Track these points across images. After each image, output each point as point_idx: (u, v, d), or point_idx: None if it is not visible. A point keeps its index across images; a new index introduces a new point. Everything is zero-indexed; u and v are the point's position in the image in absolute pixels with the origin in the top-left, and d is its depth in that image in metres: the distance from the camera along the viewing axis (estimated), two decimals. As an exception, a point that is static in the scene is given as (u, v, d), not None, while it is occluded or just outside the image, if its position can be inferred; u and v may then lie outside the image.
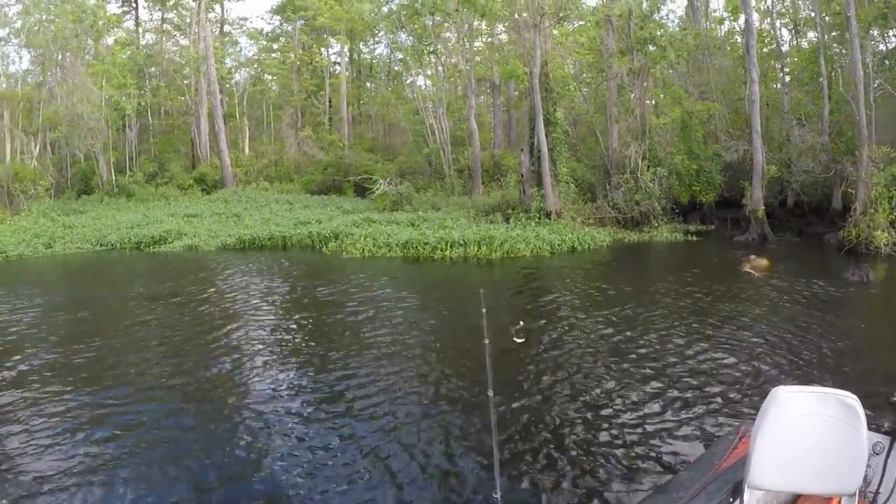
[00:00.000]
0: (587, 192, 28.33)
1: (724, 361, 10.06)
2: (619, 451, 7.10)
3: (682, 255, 22.59)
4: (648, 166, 26.67)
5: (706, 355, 10.41)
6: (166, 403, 9.24)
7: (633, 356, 10.45)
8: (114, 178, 46.94)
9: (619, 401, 8.56)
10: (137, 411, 8.95)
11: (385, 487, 6.50)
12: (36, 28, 47.11)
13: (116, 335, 13.77)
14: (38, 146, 45.36)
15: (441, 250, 22.75)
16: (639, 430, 7.58)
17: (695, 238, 25.53)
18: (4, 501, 6.66)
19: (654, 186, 26.21)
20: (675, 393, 8.71)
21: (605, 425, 7.83)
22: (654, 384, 9.10)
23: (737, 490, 3.28)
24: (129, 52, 55.51)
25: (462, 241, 22.95)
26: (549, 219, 25.57)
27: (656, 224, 26.24)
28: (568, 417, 8.13)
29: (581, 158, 32.34)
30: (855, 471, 3.08)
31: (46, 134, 46.57)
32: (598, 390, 8.98)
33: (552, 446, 7.25)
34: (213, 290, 18.45)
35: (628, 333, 11.90)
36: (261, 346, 12.20)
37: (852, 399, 3.06)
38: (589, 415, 8.22)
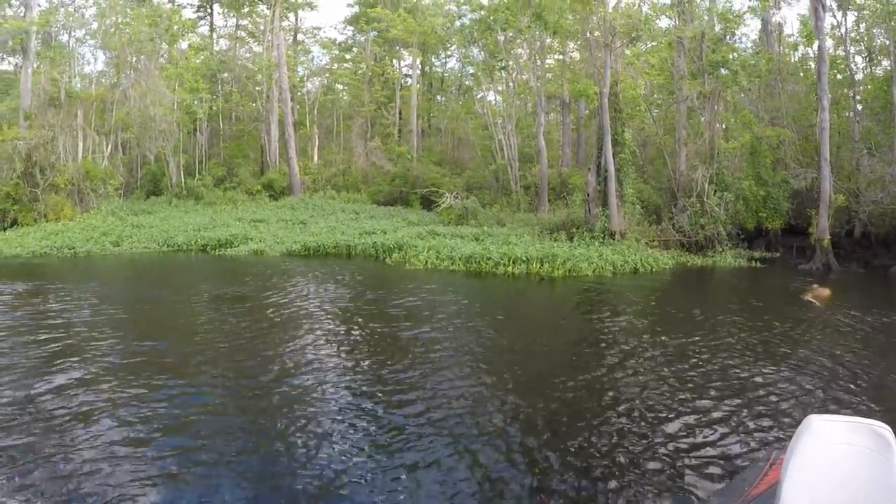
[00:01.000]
0: (653, 214, 28.54)
1: (778, 388, 10.16)
2: (664, 474, 7.27)
3: (745, 282, 22.49)
4: (715, 190, 26.81)
5: (761, 381, 10.53)
6: (227, 405, 9.71)
7: (690, 381, 10.58)
8: (183, 180, 48.63)
9: (671, 425, 8.67)
10: (194, 407, 9.56)
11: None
12: (112, 30, 49.02)
13: (182, 334, 14.72)
14: (109, 146, 46.97)
15: (504, 266, 23.14)
16: (692, 456, 7.70)
17: (759, 265, 25.48)
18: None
19: (719, 211, 26.33)
20: (730, 418, 8.86)
21: (656, 450, 7.93)
22: (708, 410, 9.21)
23: None
24: (202, 57, 57.49)
25: (525, 258, 23.28)
26: (613, 239, 25.80)
27: (720, 249, 26.28)
28: (619, 440, 8.21)
29: (648, 180, 32.49)
30: (887, 503, 2.98)
31: (118, 134, 48.19)
32: (652, 415, 9.07)
33: (597, 470, 7.41)
34: (278, 294, 19.27)
35: (688, 357, 11.97)
36: (326, 353, 12.64)
37: (886, 430, 3.03)
38: (639, 438, 8.29)
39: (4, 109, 52.78)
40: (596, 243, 25.45)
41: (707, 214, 26.52)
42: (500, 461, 7.71)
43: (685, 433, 8.38)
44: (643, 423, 8.76)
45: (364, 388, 10.38)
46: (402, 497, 6.84)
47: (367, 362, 12.01)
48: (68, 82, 49.19)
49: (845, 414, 3.87)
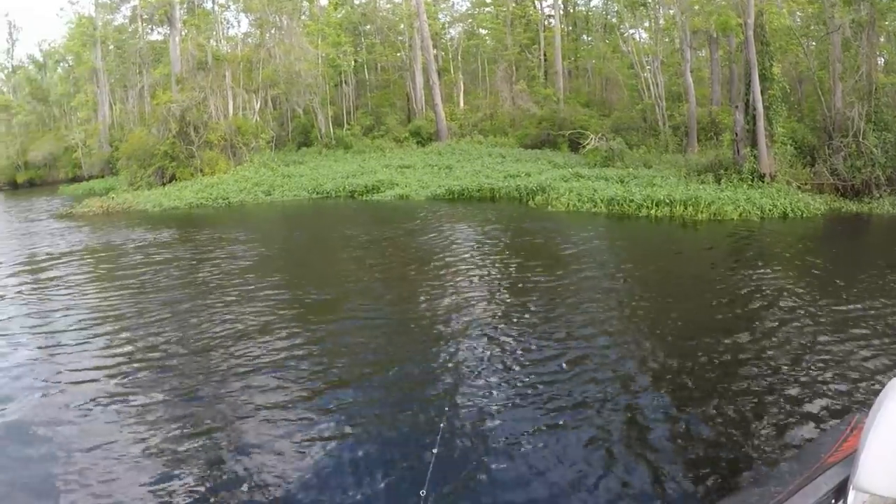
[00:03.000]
0: (807, 156, 27.38)
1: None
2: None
3: None
4: (873, 130, 25.56)
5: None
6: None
7: (842, 348, 9.70)
8: (332, 131, 51.40)
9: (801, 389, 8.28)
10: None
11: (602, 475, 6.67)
12: (252, -7, 51.82)
13: (333, 274, 16.84)
14: (259, 102, 50.25)
15: (646, 208, 23.51)
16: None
17: (922, 213, 23.65)
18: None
19: (877, 153, 24.94)
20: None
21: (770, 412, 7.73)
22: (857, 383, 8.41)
23: (841, 490, 2.96)
24: (342, 12, 59.73)
25: (668, 201, 23.46)
26: (763, 181, 25.19)
27: (878, 195, 24.47)
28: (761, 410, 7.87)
29: (803, 119, 31.45)
30: None
31: (267, 91, 51.35)
32: (792, 379, 8.63)
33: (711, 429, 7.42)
34: (428, 235, 21.18)
35: (848, 325, 10.76)
36: (472, 294, 13.72)
37: None
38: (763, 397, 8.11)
39: (158, 76, 57.42)
40: (744, 186, 24.92)
41: (864, 156, 25.26)
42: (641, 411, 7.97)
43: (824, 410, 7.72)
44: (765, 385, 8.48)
45: (512, 332, 11.01)
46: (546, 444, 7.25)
47: (512, 304, 12.79)
48: (214, 46, 52.33)
49: None
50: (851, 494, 2.86)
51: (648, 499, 6.22)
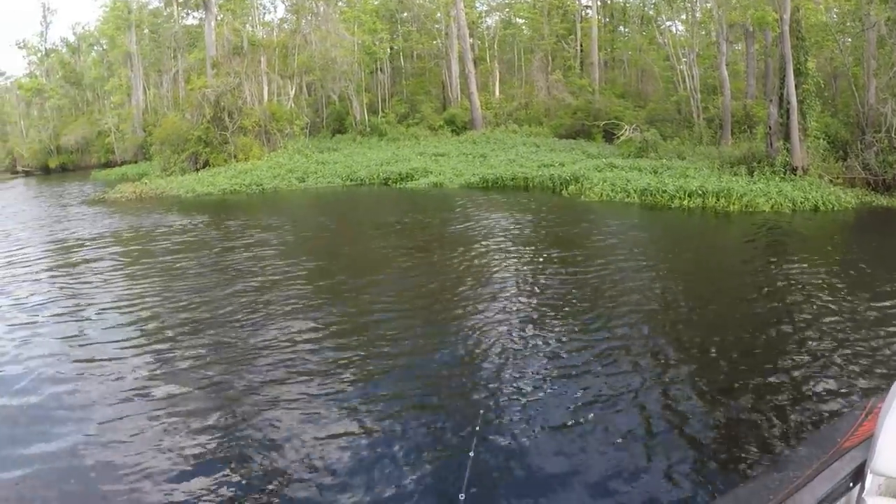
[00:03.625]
0: (840, 150, 27.87)
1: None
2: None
3: None
4: None
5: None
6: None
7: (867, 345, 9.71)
8: (367, 118, 52.04)
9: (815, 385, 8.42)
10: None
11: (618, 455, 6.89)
12: (291, -22, 52.69)
13: (374, 261, 17.39)
14: (294, 88, 51.02)
15: (679, 199, 24.03)
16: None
17: (953, 210, 23.91)
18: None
19: None
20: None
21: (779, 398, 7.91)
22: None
23: (858, 474, 2.98)
24: (379, -1, 59.63)
25: (700, 192, 24.03)
26: (795, 174, 25.58)
27: None
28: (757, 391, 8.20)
29: (837, 114, 31.90)
30: None
31: (302, 77, 52.10)
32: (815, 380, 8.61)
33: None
34: (460, 222, 21.87)
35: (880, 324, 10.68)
36: (512, 284, 14.06)
37: None
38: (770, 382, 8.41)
39: (193, 61, 58.45)
40: (776, 178, 25.29)
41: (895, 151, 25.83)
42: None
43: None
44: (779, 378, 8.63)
45: (545, 320, 11.36)
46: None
47: (548, 293, 13.19)
48: (250, 31, 53.21)
49: None
50: (869, 478, 2.94)
51: (682, 491, 6.33)
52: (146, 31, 67.00)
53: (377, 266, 16.67)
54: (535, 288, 13.71)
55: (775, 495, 2.72)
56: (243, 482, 6.72)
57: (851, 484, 2.94)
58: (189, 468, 6.99)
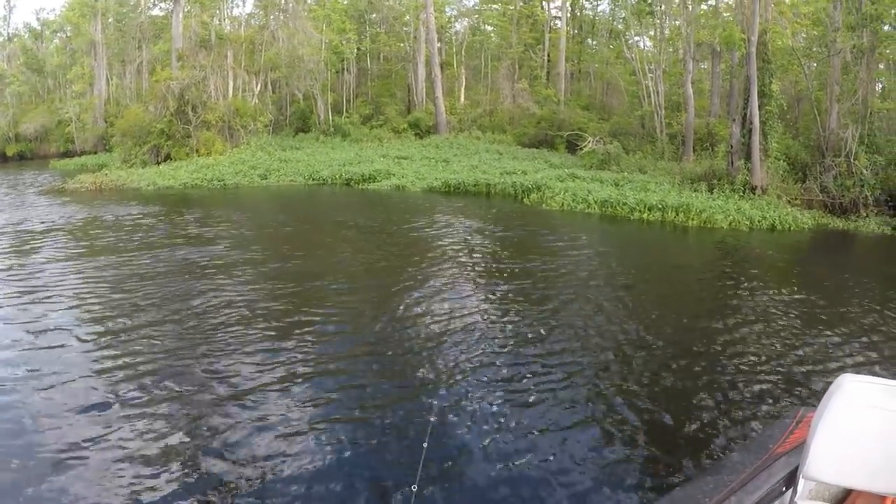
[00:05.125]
0: (799, 172, 28.26)
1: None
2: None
3: (885, 251, 21.68)
4: (865, 152, 26.37)
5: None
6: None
7: (810, 358, 10.07)
8: (331, 117, 51.67)
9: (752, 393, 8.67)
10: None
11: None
12: (260, -27, 52.63)
13: (334, 261, 17.17)
14: (259, 85, 50.46)
15: (639, 212, 24.17)
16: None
17: (905, 234, 24.37)
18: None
19: (867, 174, 25.80)
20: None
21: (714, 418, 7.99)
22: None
23: (791, 479, 3.15)
24: (349, -1, 59.44)
25: (660, 206, 24.10)
26: (754, 193, 25.94)
27: (864, 214, 25.40)
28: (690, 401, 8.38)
29: (798, 136, 32.33)
30: None
31: (268, 74, 51.64)
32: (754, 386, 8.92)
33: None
34: (420, 225, 21.88)
35: (816, 331, 11.35)
36: (464, 284, 14.21)
37: None
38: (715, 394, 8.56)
39: (158, 52, 57.50)
40: (735, 196, 25.62)
41: (854, 176, 26.09)
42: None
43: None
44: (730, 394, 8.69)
45: (497, 323, 11.45)
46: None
47: (498, 295, 13.39)
48: (218, 25, 52.73)
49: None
50: (801, 482, 3.10)
51: (625, 488, 6.47)
52: (111, 19, 65.67)
53: (336, 266, 16.42)
54: (490, 290, 13.91)
55: (711, 498, 2.85)
56: (190, 481, 6.58)
57: (784, 488, 3.10)
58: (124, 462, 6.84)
